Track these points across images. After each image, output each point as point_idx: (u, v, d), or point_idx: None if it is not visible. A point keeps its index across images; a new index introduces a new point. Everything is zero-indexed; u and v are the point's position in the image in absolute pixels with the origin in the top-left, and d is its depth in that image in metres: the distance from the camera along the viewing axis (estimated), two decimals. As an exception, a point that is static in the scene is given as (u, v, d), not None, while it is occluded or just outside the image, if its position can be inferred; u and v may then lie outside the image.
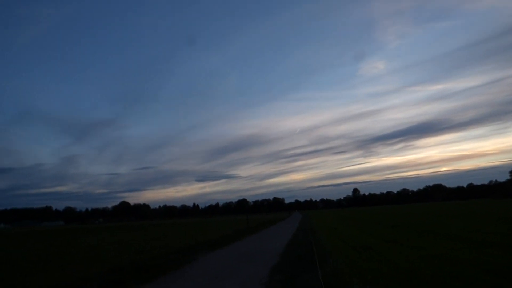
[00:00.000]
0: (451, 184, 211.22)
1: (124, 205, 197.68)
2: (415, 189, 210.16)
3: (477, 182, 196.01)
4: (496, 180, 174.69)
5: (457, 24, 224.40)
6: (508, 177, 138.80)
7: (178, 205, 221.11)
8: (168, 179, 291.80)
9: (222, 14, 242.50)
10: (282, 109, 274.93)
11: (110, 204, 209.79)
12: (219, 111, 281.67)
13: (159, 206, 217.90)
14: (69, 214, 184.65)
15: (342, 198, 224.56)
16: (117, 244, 23.31)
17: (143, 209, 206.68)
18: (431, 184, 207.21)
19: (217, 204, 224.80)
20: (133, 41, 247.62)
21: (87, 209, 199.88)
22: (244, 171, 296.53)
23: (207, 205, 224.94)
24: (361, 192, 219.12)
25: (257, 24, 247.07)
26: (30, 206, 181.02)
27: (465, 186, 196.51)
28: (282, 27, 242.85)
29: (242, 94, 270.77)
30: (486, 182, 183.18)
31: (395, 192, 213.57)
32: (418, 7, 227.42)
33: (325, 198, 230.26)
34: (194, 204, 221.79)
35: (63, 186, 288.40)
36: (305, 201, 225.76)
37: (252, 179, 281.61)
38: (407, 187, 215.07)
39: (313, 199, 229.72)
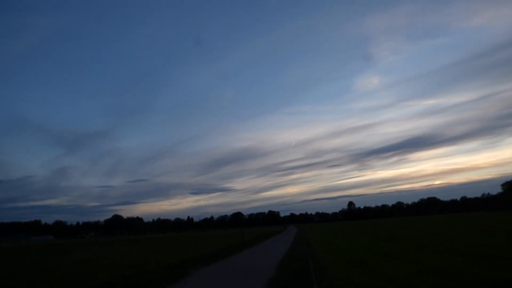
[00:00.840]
0: (445, 197, 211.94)
1: (117, 218, 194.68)
2: (409, 202, 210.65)
3: (470, 195, 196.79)
4: (488, 193, 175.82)
5: (449, 41, 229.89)
6: (500, 190, 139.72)
7: (172, 218, 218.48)
8: (162, 192, 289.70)
9: (218, 28, 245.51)
10: (277, 123, 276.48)
11: (102, 218, 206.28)
12: (214, 124, 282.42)
13: (153, 220, 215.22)
14: (59, 228, 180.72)
15: (337, 211, 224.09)
16: (109, 258, 22.82)
17: (136, 222, 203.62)
18: (425, 197, 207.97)
19: (211, 218, 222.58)
20: (128, 53, 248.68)
21: (78, 223, 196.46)
22: (239, 184, 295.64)
23: (201, 218, 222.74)
24: (356, 206, 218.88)
25: (253, 37, 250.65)
26: (18, 220, 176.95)
27: (458, 199, 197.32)
28: (277, 41, 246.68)
29: (237, 107, 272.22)
30: (479, 195, 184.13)
31: (390, 205, 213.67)
32: (412, 24, 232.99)
33: (320, 212, 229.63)
34: (188, 217, 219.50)
35: (53, 199, 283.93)
36: (300, 214, 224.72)
37: (247, 192, 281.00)
38: (402, 200, 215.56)
39: (308, 213, 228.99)
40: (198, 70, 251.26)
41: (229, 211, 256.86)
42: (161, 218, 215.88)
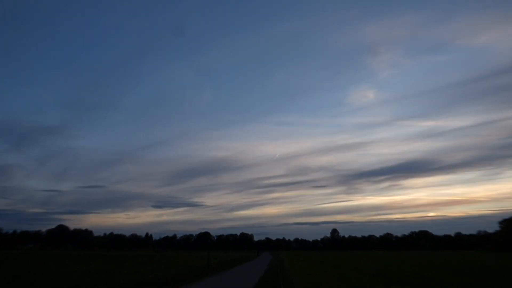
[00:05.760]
0: (438, 231, 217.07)
1: (62, 229, 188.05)
2: (399, 235, 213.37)
3: (465, 231, 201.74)
4: (485, 231, 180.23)
5: (452, 59, 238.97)
6: (498, 228, 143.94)
7: (127, 234, 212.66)
8: (119, 202, 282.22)
9: (200, 20, 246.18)
10: (259, 132, 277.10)
11: (44, 227, 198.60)
12: (187, 128, 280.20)
13: (105, 234, 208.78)
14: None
15: (318, 239, 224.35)
16: (47, 276, 21.95)
17: (84, 235, 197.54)
18: (417, 230, 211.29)
19: (174, 236, 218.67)
20: (93, 39, 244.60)
21: (15, 231, 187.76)
22: (210, 199, 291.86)
23: (162, 236, 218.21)
24: (340, 234, 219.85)
25: (240, 33, 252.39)
26: None
27: (452, 234, 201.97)
28: (267, 40, 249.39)
29: (216, 111, 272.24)
30: (474, 232, 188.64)
31: (378, 236, 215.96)
32: (413, 37, 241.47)
33: (299, 238, 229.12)
34: (147, 234, 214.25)
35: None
36: (277, 239, 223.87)
37: (219, 209, 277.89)
38: (391, 232, 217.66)
39: (286, 238, 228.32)
40: (174, 65, 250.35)
41: (195, 230, 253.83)
42: (115, 232, 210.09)
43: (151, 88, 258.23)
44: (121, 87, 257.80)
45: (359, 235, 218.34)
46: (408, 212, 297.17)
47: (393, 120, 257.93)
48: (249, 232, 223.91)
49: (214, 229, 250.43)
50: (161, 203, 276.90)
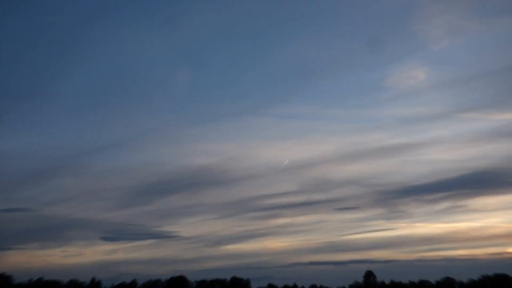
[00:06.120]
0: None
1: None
2: (465, 280, 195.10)
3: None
4: None
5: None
6: None
7: (65, 279, 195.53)
8: (53, 232, 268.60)
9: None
10: (259, 130, 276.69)
11: None
12: (154, 125, 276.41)
13: (31, 280, 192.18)
14: None
15: (346, 285, 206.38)
16: None
17: (0, 283, 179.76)
18: (491, 273, 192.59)
19: (133, 283, 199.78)
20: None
21: None
22: (187, 228, 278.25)
23: (116, 282, 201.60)
24: (379, 278, 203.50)
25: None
26: None
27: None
28: (268, 2, 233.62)
29: (196, 100, 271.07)
30: None
31: (433, 282, 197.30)
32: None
33: (318, 284, 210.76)
34: (93, 279, 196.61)
35: None
36: (285, 287, 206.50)
37: (199, 242, 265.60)
38: (453, 276, 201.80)
39: (299, 285, 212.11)
40: (136, 34, 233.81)
41: (165, 273, 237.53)
42: (46, 277, 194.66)
43: (102, 67, 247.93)
44: (58, 66, 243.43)
45: (405, 280, 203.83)
46: (478, 247, 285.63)
47: (453, 111, 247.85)
48: (244, 276, 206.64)
49: (193, 272, 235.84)
50: (114, 234, 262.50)
